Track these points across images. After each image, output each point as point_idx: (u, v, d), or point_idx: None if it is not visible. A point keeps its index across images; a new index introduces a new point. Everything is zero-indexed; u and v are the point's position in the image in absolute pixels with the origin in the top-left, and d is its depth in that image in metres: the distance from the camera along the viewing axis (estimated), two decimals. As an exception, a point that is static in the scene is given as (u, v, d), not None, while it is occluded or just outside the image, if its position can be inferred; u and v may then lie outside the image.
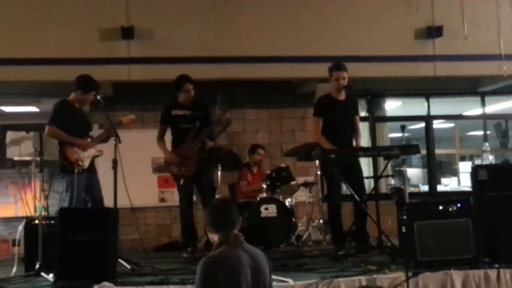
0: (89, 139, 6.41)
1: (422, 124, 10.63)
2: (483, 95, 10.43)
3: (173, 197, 8.98)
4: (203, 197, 6.77)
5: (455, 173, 12.03)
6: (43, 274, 5.36)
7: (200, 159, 6.73)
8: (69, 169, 6.08)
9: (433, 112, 10.34)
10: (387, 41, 8.59)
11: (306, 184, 8.25)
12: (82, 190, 6.13)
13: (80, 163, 6.11)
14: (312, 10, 8.51)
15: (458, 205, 5.40)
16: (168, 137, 7.01)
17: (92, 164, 6.34)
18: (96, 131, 8.64)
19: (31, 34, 7.92)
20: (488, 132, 10.49)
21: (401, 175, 6.66)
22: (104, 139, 6.42)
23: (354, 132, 6.70)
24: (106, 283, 4.76)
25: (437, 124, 11.00)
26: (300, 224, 7.96)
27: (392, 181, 9.33)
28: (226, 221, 3.51)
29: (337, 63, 6.66)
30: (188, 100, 6.84)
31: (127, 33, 8.00)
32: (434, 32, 8.62)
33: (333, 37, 8.43)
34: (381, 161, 7.60)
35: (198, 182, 6.80)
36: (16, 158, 6.52)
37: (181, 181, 6.76)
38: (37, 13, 8.03)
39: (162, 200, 9.27)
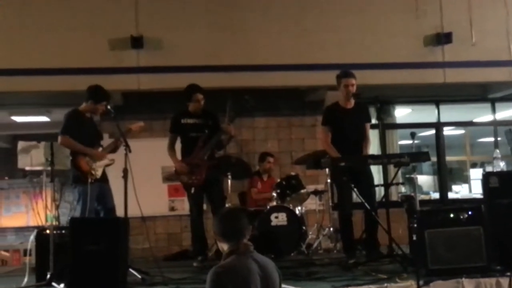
0: (100, 149, 6.43)
1: (432, 131, 10.58)
2: (493, 102, 10.39)
3: (183, 206, 8.99)
4: (213, 205, 6.77)
5: (466, 180, 11.96)
6: (54, 284, 5.39)
7: (210, 167, 6.73)
8: (82, 179, 6.11)
9: (443, 119, 10.30)
10: (396, 48, 8.58)
11: (316, 192, 8.23)
12: (94, 200, 6.15)
13: (93, 172, 6.14)
14: (319, 17, 8.51)
15: (469, 212, 5.38)
16: (178, 145, 7.02)
17: (104, 173, 6.36)
18: (106, 141, 8.70)
19: (41, 44, 7.97)
20: (499, 139, 10.40)
21: (412, 183, 6.64)
22: (114, 148, 6.44)
23: (363, 139, 6.68)
24: (116, 293, 4.77)
25: (447, 131, 10.95)
26: (310, 233, 7.94)
27: (403, 189, 9.29)
28: (235, 230, 3.51)
29: (345, 71, 6.65)
30: (198, 109, 6.85)
31: (136, 42, 8.05)
32: (443, 38, 8.61)
33: (340, 44, 8.43)
34: (391, 168, 7.59)
35: (208, 190, 6.80)
36: (27, 168, 6.54)
37: (192, 190, 6.76)
38: (46, 23, 8.08)
39: (172, 209, 9.27)
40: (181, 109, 6.97)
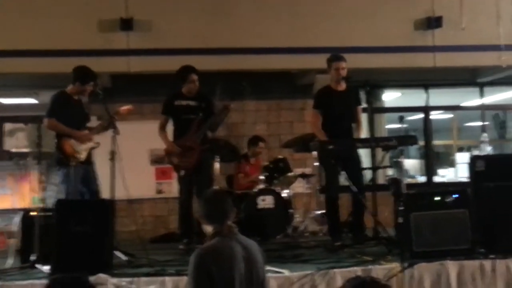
0: (86, 131, 6.39)
1: (420, 115, 10.61)
2: (481, 86, 10.40)
3: (171, 188, 9.00)
4: (198, 188, 6.71)
5: (452, 164, 11.99)
6: (38, 266, 5.37)
7: (202, 150, 6.70)
8: (65, 161, 6.07)
9: (431, 103, 10.31)
10: (386, 32, 8.57)
11: (303, 176, 8.23)
12: (78, 182, 6.12)
13: (76, 155, 6.09)
14: (310, 1, 8.47)
15: (455, 195, 5.40)
16: (169, 128, 6.97)
17: (89, 155, 6.32)
18: (94, 123, 8.66)
19: (29, 26, 7.89)
20: (486, 123, 10.46)
21: (399, 166, 6.66)
22: (104, 127, 6.37)
23: (355, 123, 6.67)
24: (102, 275, 4.75)
25: (435, 115, 10.98)
26: (297, 216, 7.96)
27: (390, 172, 9.30)
28: (219, 212, 3.52)
29: (336, 54, 6.66)
30: (192, 91, 6.79)
31: (126, 24, 7.99)
32: (433, 22, 8.59)
33: (331, 27, 8.40)
34: (379, 152, 7.60)
35: (197, 173, 6.77)
36: (13, 150, 6.53)
37: (182, 172, 6.73)
38: (35, 4, 8.01)
39: (159, 191, 9.27)
40: (175, 90, 6.92)
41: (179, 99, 6.82)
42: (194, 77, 6.75)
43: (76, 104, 6.40)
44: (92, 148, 6.34)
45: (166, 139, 6.81)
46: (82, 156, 6.18)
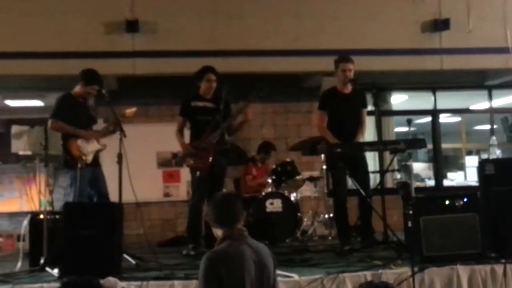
0: (93, 131, 6.36)
1: (428, 118, 10.57)
2: (490, 89, 10.36)
3: (178, 191, 8.99)
4: (211, 190, 6.59)
5: (461, 167, 11.97)
6: (47, 269, 5.36)
7: (217, 151, 6.63)
8: (72, 164, 6.05)
9: (439, 106, 10.28)
10: (393, 34, 8.53)
11: (311, 179, 8.21)
12: (86, 185, 6.09)
13: (83, 158, 6.07)
14: (316, 3, 8.46)
15: (465, 199, 5.36)
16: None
17: (96, 157, 6.30)
18: (101, 125, 8.65)
19: (35, 27, 7.89)
20: (495, 126, 10.41)
21: (407, 170, 6.62)
22: (111, 130, 6.34)
23: (359, 125, 6.64)
24: (111, 278, 4.74)
25: (443, 118, 10.94)
26: (305, 219, 7.94)
27: (398, 176, 9.28)
28: (229, 216, 3.50)
29: (343, 55, 6.62)
30: (209, 91, 6.71)
31: (132, 26, 7.97)
32: (440, 25, 8.56)
33: (337, 30, 8.38)
34: (387, 155, 7.56)
35: (212, 175, 6.68)
36: (20, 153, 6.51)
37: (197, 173, 6.67)
38: (41, 5, 8.00)
39: (166, 195, 9.25)
40: (192, 92, 6.86)
41: (196, 100, 6.75)
42: (212, 77, 6.69)
43: (82, 106, 6.37)
44: (99, 150, 6.31)
45: (182, 141, 6.76)
46: (89, 158, 6.15)
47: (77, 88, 6.33)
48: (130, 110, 6.51)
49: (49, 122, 6.12)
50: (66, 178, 6.24)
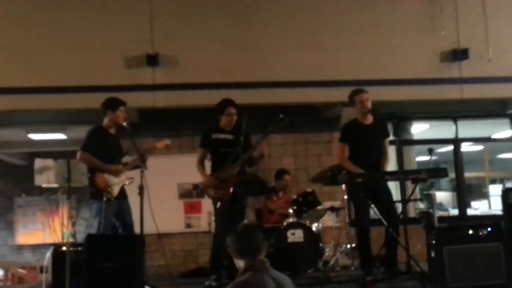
0: (120, 165, 6.43)
1: (450, 147, 10.50)
2: (511, 117, 10.30)
3: (199, 223, 9.00)
4: (232, 222, 6.59)
5: (485, 196, 11.84)
6: (69, 301, 5.36)
7: (238, 182, 6.63)
8: (98, 196, 6.11)
9: (461, 134, 10.21)
10: (412, 64, 8.57)
11: (333, 209, 8.17)
12: (111, 217, 6.14)
13: (109, 190, 6.14)
14: (335, 34, 8.53)
15: (489, 229, 5.30)
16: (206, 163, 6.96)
17: (122, 189, 6.36)
18: (123, 158, 8.72)
19: (57, 63, 8.05)
20: (517, 155, 10.34)
21: (429, 199, 6.57)
22: (137, 165, 6.38)
23: (382, 155, 6.62)
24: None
25: (466, 147, 10.86)
26: (327, 249, 7.87)
27: (421, 205, 9.20)
28: (251, 247, 3.49)
29: (356, 88, 6.60)
30: (230, 124, 6.75)
31: (152, 60, 8.10)
32: (459, 55, 8.58)
33: (355, 60, 8.43)
34: (409, 185, 7.52)
35: (233, 205, 6.69)
36: (44, 185, 6.55)
37: (218, 204, 6.69)
38: (62, 41, 8.16)
39: (188, 226, 9.25)
40: (213, 124, 6.92)
41: (216, 132, 6.80)
42: (233, 110, 6.74)
43: (112, 138, 6.46)
44: (126, 183, 6.36)
45: (203, 172, 6.78)
46: (115, 191, 6.21)
47: (106, 120, 6.41)
48: (162, 142, 6.56)
49: (78, 154, 6.22)
50: (91, 210, 6.29)
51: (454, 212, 10.97)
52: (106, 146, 6.32)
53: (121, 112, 6.36)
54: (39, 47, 8.13)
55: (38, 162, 6.43)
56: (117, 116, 6.39)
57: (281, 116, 6.63)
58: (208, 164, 6.85)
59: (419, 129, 10.68)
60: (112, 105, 6.38)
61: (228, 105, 6.74)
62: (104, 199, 6.03)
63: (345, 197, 7.54)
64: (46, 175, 6.39)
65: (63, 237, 6.42)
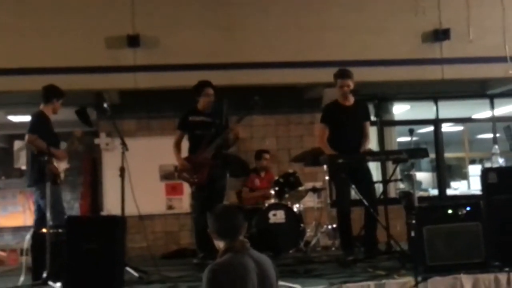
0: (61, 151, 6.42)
1: (430, 128, 10.57)
2: (492, 98, 10.36)
3: (181, 204, 8.99)
4: (210, 204, 6.61)
5: (464, 176, 11.94)
6: (50, 283, 5.36)
7: (213, 166, 6.64)
8: (54, 180, 6.06)
9: (441, 115, 10.27)
10: (394, 45, 8.55)
11: (314, 190, 8.19)
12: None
13: (59, 174, 6.14)
14: (317, 15, 8.47)
15: (468, 208, 5.34)
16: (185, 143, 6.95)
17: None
18: (103, 139, 8.69)
19: (37, 44, 7.92)
20: (497, 135, 10.39)
21: (410, 179, 6.61)
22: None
23: (363, 137, 6.64)
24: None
25: (446, 128, 10.94)
26: (308, 230, 7.91)
27: (401, 185, 9.27)
28: (231, 227, 3.49)
29: (341, 71, 6.56)
30: (207, 105, 6.76)
31: (133, 41, 8.00)
32: (441, 35, 8.57)
33: (337, 41, 8.39)
34: (390, 165, 7.57)
35: (210, 189, 6.71)
36: (23, 167, 6.52)
37: (193, 188, 6.70)
38: (42, 23, 8.02)
39: (170, 207, 9.23)
40: (191, 106, 6.89)
41: (194, 114, 6.80)
42: (210, 91, 6.74)
43: (51, 124, 6.44)
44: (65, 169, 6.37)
45: (178, 156, 6.78)
46: (62, 175, 6.22)
47: (48, 106, 6.41)
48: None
49: (27, 137, 6.16)
50: (42, 194, 6.18)
51: (434, 192, 11.06)
52: (50, 131, 6.29)
53: (61, 104, 6.32)
54: (19, 28, 7.99)
55: (18, 144, 6.40)
56: (58, 106, 6.36)
57: (255, 98, 6.63)
58: (186, 146, 6.84)
59: (400, 110, 10.73)
60: (58, 94, 6.32)
61: (205, 86, 6.74)
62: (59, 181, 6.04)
63: (327, 178, 7.57)
64: (26, 157, 6.36)
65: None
